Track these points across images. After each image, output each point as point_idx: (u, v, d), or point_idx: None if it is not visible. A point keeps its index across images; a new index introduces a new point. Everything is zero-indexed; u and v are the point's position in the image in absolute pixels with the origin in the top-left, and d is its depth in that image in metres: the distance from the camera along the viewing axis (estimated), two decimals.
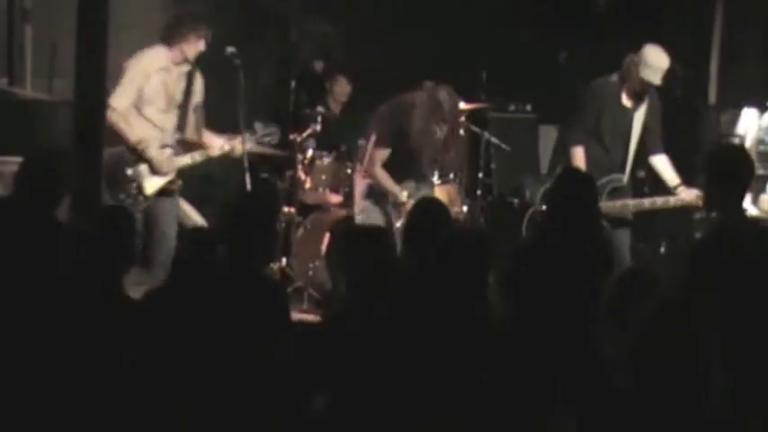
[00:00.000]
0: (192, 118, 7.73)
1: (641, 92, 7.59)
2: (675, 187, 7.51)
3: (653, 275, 4.44)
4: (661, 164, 7.68)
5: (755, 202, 8.23)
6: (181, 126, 7.67)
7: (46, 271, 4.96)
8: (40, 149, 5.91)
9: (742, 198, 5.40)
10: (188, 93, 7.67)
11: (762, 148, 8.83)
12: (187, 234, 5.59)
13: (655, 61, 7.46)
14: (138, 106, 7.53)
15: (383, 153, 7.58)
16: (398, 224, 7.46)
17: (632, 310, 3.80)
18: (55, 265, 4.98)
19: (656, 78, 7.48)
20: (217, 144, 7.76)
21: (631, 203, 7.59)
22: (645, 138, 7.66)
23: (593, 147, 7.62)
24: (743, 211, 5.47)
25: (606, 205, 7.44)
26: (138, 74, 7.51)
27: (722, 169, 5.35)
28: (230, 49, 7.95)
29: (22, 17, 9.19)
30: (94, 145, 5.82)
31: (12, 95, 8.78)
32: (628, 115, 7.63)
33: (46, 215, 5.47)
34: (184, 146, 7.72)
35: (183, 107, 7.68)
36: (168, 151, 7.60)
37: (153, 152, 7.50)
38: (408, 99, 7.59)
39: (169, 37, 7.58)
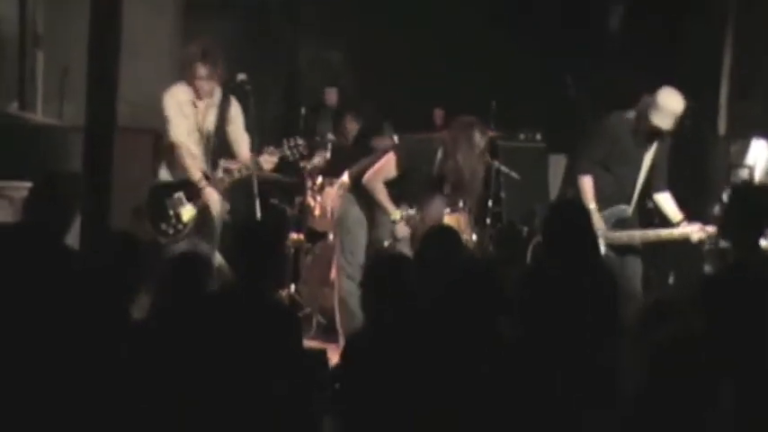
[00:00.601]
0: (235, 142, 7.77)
1: (650, 134, 7.60)
2: (678, 223, 7.54)
3: (679, 306, 4.44)
4: (665, 201, 7.71)
5: (765, 234, 8.21)
6: (214, 156, 7.71)
7: (54, 297, 4.95)
8: (50, 174, 5.89)
9: (760, 236, 5.43)
10: (222, 122, 7.70)
11: None
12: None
13: (667, 106, 7.43)
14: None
15: (391, 174, 7.57)
16: (386, 243, 7.48)
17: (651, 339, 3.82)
18: (63, 291, 4.97)
19: (665, 123, 7.46)
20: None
21: (637, 234, 7.60)
22: (651, 174, 7.68)
23: (601, 177, 7.62)
24: (759, 247, 5.49)
25: (612, 236, 7.51)
26: (173, 107, 7.57)
27: (746, 207, 5.38)
28: (241, 77, 7.98)
29: (33, 42, 9.24)
30: (104, 171, 5.84)
31: (22, 120, 8.81)
32: (641, 150, 7.63)
33: (55, 240, 5.47)
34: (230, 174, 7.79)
35: (217, 137, 7.71)
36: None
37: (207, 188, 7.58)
38: (444, 138, 7.55)
39: (185, 74, 7.62)
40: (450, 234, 5.91)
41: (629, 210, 7.64)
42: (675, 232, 7.51)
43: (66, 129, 8.55)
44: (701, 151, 9.06)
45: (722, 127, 9.97)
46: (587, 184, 7.59)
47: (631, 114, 7.60)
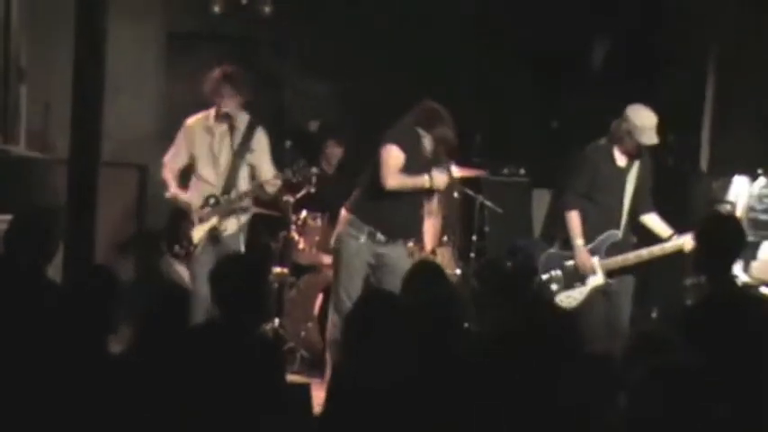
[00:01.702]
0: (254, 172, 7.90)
1: (638, 153, 7.68)
2: (669, 238, 7.60)
3: (665, 340, 4.45)
4: (652, 221, 7.78)
5: (746, 269, 8.25)
6: (230, 184, 7.77)
7: (33, 330, 4.93)
8: (30, 208, 5.90)
9: (731, 266, 5.44)
10: (240, 150, 7.80)
11: (752, 215, 8.86)
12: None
13: (646, 122, 7.53)
14: (195, 168, 7.84)
15: (400, 162, 7.63)
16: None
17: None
18: (43, 324, 4.96)
19: (652, 138, 7.56)
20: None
21: (631, 256, 7.66)
22: (636, 197, 7.74)
23: (587, 208, 7.69)
24: (731, 278, 5.51)
25: (607, 262, 7.60)
26: (183, 135, 7.82)
27: (714, 239, 5.41)
28: (225, 109, 8.00)
29: (17, 76, 9.24)
30: (88, 204, 5.84)
31: (5, 153, 8.80)
32: (622, 175, 7.71)
33: (35, 273, 5.45)
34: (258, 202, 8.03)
35: (234, 164, 7.81)
36: (208, 206, 7.78)
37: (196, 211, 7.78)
38: (417, 118, 7.71)
39: (209, 98, 7.77)
40: (434, 269, 5.93)
41: (618, 234, 7.70)
42: (667, 246, 7.56)
43: (49, 162, 8.54)
44: (683, 187, 9.09)
45: (704, 163, 10.02)
46: (574, 219, 7.65)
47: (604, 141, 7.68)
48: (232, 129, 7.79)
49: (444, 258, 8.61)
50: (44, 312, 5.04)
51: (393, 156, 7.56)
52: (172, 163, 7.86)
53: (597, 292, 7.63)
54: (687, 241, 7.32)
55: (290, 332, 8.86)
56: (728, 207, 8.88)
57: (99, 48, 6.07)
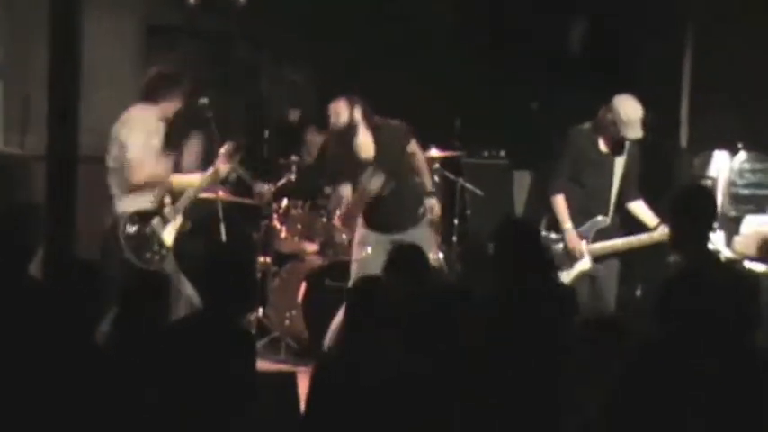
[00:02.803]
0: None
1: (621, 146, 7.67)
2: (656, 227, 7.60)
3: (619, 325, 4.47)
4: (639, 209, 7.78)
5: (729, 244, 8.27)
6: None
7: (18, 327, 4.92)
8: (9, 206, 5.89)
9: (706, 239, 5.45)
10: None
11: (734, 190, 8.89)
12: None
13: (631, 115, 7.51)
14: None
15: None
16: None
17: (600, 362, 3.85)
18: (28, 322, 4.95)
19: (636, 132, 7.54)
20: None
21: (619, 243, 7.68)
22: (622, 185, 7.74)
23: (574, 193, 7.69)
24: (708, 251, 5.52)
25: (594, 248, 7.62)
26: (146, 126, 7.59)
27: (684, 211, 5.42)
28: (202, 101, 7.96)
29: None
30: (67, 199, 5.80)
31: None
32: (608, 161, 7.70)
33: (18, 271, 5.44)
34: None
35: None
36: (167, 204, 7.69)
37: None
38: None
39: (151, 96, 7.62)
40: (416, 253, 5.91)
41: (606, 220, 7.71)
42: (655, 235, 7.58)
43: (27, 158, 8.51)
44: (663, 164, 9.11)
45: (684, 140, 10.04)
46: (560, 203, 7.66)
47: (587, 125, 7.68)
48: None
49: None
50: (28, 310, 5.03)
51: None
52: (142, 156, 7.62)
53: (583, 275, 7.65)
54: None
55: (274, 321, 8.86)
56: (710, 182, 8.90)
57: (75, 42, 6.01)
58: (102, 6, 8.64)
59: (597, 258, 7.65)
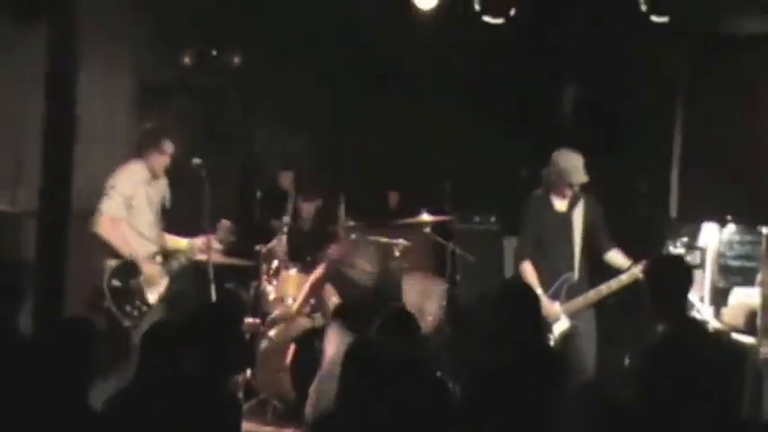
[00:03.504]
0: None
1: (574, 196, 7.76)
2: (629, 268, 7.68)
3: (610, 391, 4.48)
4: (614, 257, 7.92)
5: (717, 315, 8.29)
6: (162, 238, 7.84)
7: (8, 385, 4.89)
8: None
9: (684, 307, 5.49)
10: (163, 209, 7.85)
11: (722, 261, 8.88)
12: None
13: (572, 163, 7.74)
14: (129, 219, 7.68)
15: None
16: None
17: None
18: (17, 379, 4.92)
19: (581, 177, 7.74)
20: (194, 243, 7.86)
21: (591, 294, 7.75)
22: (592, 238, 7.84)
23: (540, 257, 7.82)
24: (688, 320, 5.56)
25: (569, 305, 7.67)
26: (124, 185, 7.63)
27: (660, 281, 5.47)
28: (196, 161, 8.00)
29: None
30: (58, 256, 5.82)
31: None
32: (565, 219, 7.89)
33: (5, 327, 5.42)
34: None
35: (162, 217, 7.84)
36: (156, 264, 7.68)
37: (145, 267, 7.65)
38: None
39: (140, 153, 7.73)
40: (408, 316, 5.90)
41: (574, 276, 7.79)
42: (623, 278, 7.65)
43: (19, 214, 8.50)
44: (652, 234, 9.14)
45: (673, 210, 10.08)
46: (528, 270, 7.81)
47: (540, 191, 7.82)
48: (160, 182, 7.88)
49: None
50: (16, 367, 5.01)
51: None
52: (110, 212, 7.67)
53: (565, 336, 7.68)
54: (641, 268, 7.45)
55: (262, 383, 8.82)
56: (698, 253, 8.92)
57: (70, 97, 6.07)
58: (96, 64, 8.68)
59: (573, 315, 7.71)
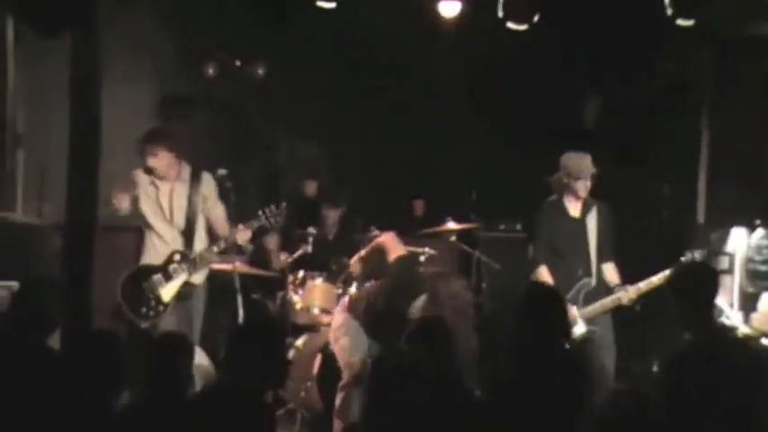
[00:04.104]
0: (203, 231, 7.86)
1: (587, 200, 7.82)
2: (615, 287, 7.73)
3: (646, 397, 4.44)
4: (608, 270, 7.90)
5: (746, 320, 8.25)
6: (190, 238, 7.76)
7: (40, 400, 4.90)
8: (29, 281, 5.93)
9: (710, 314, 5.45)
10: (193, 201, 7.78)
11: (751, 266, 8.87)
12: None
13: (576, 161, 7.79)
14: (146, 224, 7.80)
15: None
16: None
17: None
18: (46, 392, 4.93)
19: (589, 168, 7.80)
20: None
21: (608, 301, 7.72)
22: (599, 243, 7.83)
23: (556, 263, 7.82)
24: (715, 326, 5.51)
25: (586, 311, 7.66)
26: (134, 179, 7.80)
27: (685, 288, 5.43)
28: (221, 171, 8.02)
29: (14, 142, 9.25)
30: (84, 269, 5.80)
31: (3, 219, 8.79)
32: (580, 225, 7.88)
33: (38, 344, 5.44)
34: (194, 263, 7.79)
35: (188, 224, 7.78)
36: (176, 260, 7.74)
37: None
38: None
39: (141, 152, 7.75)
40: (439, 324, 5.88)
41: (591, 281, 7.77)
42: (642, 286, 7.67)
43: (45, 227, 8.53)
44: (680, 239, 9.11)
45: (701, 215, 10.03)
46: (544, 275, 7.79)
47: (554, 197, 7.80)
48: (181, 182, 7.82)
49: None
50: (47, 383, 5.02)
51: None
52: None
53: (581, 342, 7.67)
54: (624, 295, 7.58)
55: (289, 393, 8.80)
56: (727, 259, 8.89)
57: (94, 111, 6.06)
58: (118, 77, 8.70)
59: (590, 321, 7.70)
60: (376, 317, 7.23)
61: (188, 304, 7.76)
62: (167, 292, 7.69)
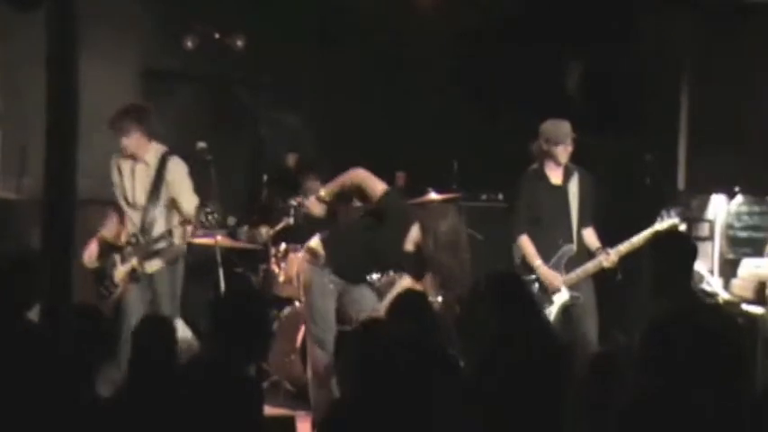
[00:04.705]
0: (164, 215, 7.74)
1: (568, 167, 7.84)
2: (596, 250, 7.79)
3: (625, 360, 4.46)
4: (587, 236, 7.93)
5: (727, 286, 8.28)
6: (148, 222, 7.66)
7: (18, 375, 4.89)
8: (7, 256, 5.91)
9: (687, 281, 5.46)
10: (154, 185, 7.66)
11: (731, 233, 8.89)
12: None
13: (555, 127, 7.77)
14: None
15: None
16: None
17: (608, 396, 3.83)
18: (28, 369, 4.91)
19: (568, 132, 7.80)
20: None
21: (590, 265, 7.76)
22: (579, 212, 7.87)
23: (537, 231, 7.84)
24: (691, 293, 5.52)
25: (569, 278, 7.72)
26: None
27: (662, 255, 5.43)
28: (201, 145, 8.00)
29: None
30: (64, 244, 5.78)
31: None
32: (561, 192, 7.91)
33: (17, 318, 5.42)
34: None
35: (146, 210, 7.70)
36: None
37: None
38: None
39: (116, 131, 7.63)
40: (419, 298, 5.89)
41: (573, 248, 7.81)
42: (589, 265, 7.76)
43: (24, 202, 8.51)
44: (661, 207, 9.12)
45: (681, 182, 10.05)
46: (526, 242, 7.83)
47: (535, 165, 7.81)
48: (146, 165, 7.72)
49: (425, 287, 8.58)
50: (25, 357, 5.00)
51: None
52: None
53: (565, 308, 7.70)
54: (605, 258, 7.67)
55: (273, 365, 8.82)
56: (707, 225, 8.92)
57: (71, 87, 6.02)
58: (98, 51, 8.66)
59: (572, 287, 7.74)
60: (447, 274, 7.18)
61: (142, 286, 7.69)
62: (118, 273, 7.69)
